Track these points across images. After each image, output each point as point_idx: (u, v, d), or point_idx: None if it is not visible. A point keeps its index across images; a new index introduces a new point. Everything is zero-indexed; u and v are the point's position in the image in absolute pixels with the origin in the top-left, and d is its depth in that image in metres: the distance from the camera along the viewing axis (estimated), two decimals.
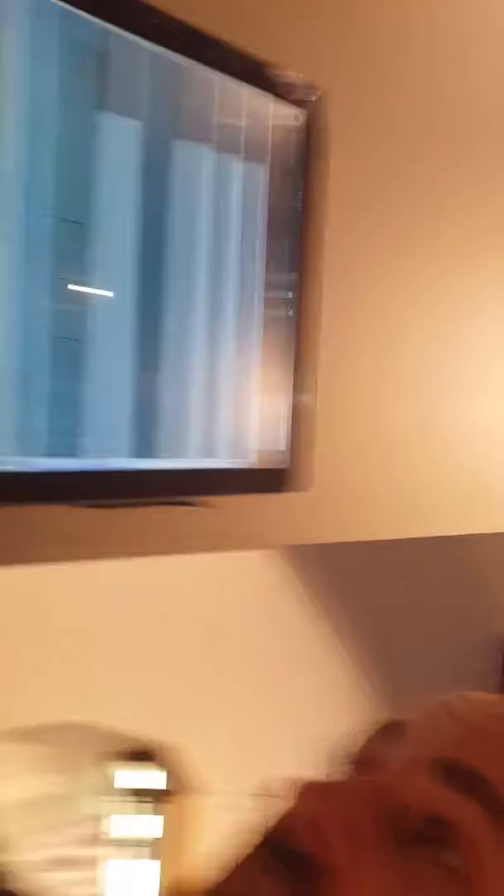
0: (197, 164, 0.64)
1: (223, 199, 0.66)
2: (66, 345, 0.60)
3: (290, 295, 0.70)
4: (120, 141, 0.60)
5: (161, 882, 2.04)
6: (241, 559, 2.06)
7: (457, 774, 0.39)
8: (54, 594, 1.86)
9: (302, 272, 0.69)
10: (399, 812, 0.38)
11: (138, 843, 2.10)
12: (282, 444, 0.71)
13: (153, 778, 2.15)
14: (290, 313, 0.70)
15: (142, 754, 2.19)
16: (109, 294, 0.62)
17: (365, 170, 0.77)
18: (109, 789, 2.15)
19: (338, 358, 0.77)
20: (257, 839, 0.40)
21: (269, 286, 0.69)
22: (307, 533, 0.78)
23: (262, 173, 0.68)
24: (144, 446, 0.66)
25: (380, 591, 2.31)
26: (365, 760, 0.43)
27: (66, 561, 0.79)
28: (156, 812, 2.12)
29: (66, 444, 0.62)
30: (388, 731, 0.44)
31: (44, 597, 1.84)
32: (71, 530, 0.77)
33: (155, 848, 2.13)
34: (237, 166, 0.66)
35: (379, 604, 2.34)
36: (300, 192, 0.69)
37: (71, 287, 0.60)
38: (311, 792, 0.39)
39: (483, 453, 0.95)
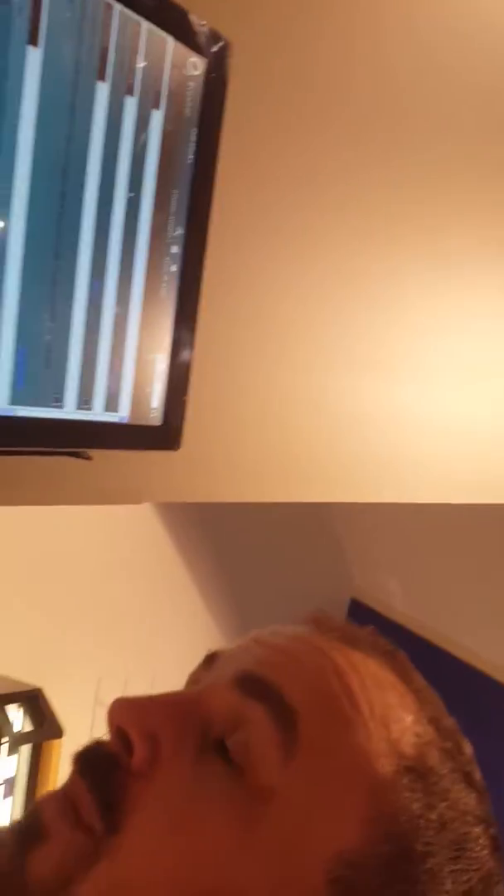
0: (91, 100, 0.62)
1: (115, 139, 0.64)
2: None
3: (175, 249, 0.69)
4: (22, 70, 0.57)
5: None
6: (112, 512, 2.05)
7: (251, 684, 0.42)
8: None
9: (189, 226, 0.68)
10: (200, 720, 0.42)
11: (5, 782, 2.11)
12: (156, 402, 0.70)
13: (15, 719, 2.15)
14: (174, 268, 0.68)
15: (6, 696, 2.18)
16: None
17: (264, 127, 0.76)
18: None
19: (220, 317, 0.76)
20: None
21: (154, 238, 0.67)
22: (177, 491, 0.79)
23: (157, 119, 0.66)
24: (25, 394, 0.64)
25: (241, 550, 2.37)
26: (188, 682, 0.48)
27: None
28: (13, 752, 2.13)
29: None
30: (209, 660, 0.48)
31: None
32: None
33: (9, 786, 2.15)
34: (131, 108, 0.64)
35: (239, 561, 2.40)
36: (194, 144, 0.67)
37: None
38: (121, 705, 0.42)
39: (360, 429, 0.97)
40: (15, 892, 0.38)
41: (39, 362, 0.64)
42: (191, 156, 0.66)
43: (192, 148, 0.66)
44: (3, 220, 0.59)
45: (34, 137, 0.58)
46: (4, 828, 0.42)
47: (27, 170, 0.59)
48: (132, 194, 0.65)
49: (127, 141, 0.63)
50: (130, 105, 0.63)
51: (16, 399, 0.64)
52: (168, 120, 0.65)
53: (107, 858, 0.38)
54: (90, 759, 0.42)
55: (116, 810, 0.40)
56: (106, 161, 0.63)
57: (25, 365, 0.64)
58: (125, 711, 0.42)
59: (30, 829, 0.40)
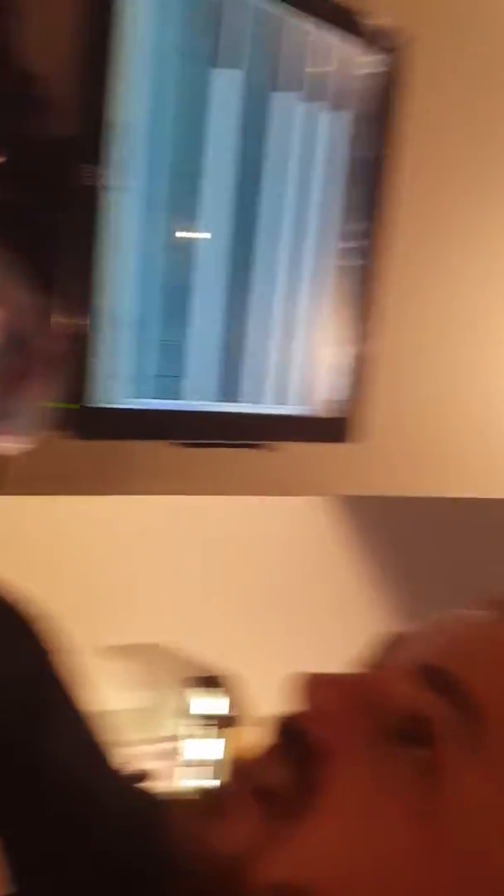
0: (288, 114, 0.65)
1: (309, 147, 0.67)
2: (172, 292, 0.64)
3: (362, 244, 0.70)
4: (225, 93, 0.62)
5: None
6: (298, 503, 2.09)
7: (435, 678, 0.41)
8: (141, 525, 1.94)
9: (375, 221, 0.69)
10: (384, 707, 0.41)
11: (203, 764, 2.22)
12: (343, 394, 0.72)
13: (218, 704, 2.25)
14: (362, 263, 0.70)
15: (209, 681, 2.29)
16: (208, 241, 0.64)
17: (444, 122, 0.75)
18: (181, 711, 2.28)
19: (405, 310, 0.77)
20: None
21: (343, 234, 0.69)
22: (356, 483, 0.80)
23: (345, 121, 0.68)
24: (227, 390, 0.69)
25: (417, 540, 2.31)
26: (371, 665, 0.47)
27: (155, 494, 0.84)
28: (219, 736, 2.22)
29: (169, 386, 0.66)
30: (392, 642, 0.47)
31: (132, 526, 1.93)
32: (156, 466, 0.81)
33: (217, 769, 2.25)
34: (324, 115, 0.67)
35: (416, 551, 2.34)
36: (380, 141, 0.68)
37: (178, 235, 0.63)
38: (312, 682, 0.43)
39: None
40: (204, 862, 0.39)
41: (231, 360, 0.69)
42: (377, 152, 0.67)
43: (378, 144, 0.67)
44: (203, 231, 0.64)
45: (218, 151, 0.63)
46: (196, 793, 0.45)
47: (230, 172, 0.63)
48: (325, 196, 0.68)
49: (322, 145, 0.66)
50: (309, 106, 0.65)
51: (207, 395, 0.69)
52: (356, 121, 0.67)
53: (294, 839, 0.39)
54: (280, 736, 0.42)
55: (306, 791, 0.39)
56: (283, 161, 0.66)
57: (219, 363, 0.68)
58: (317, 689, 0.42)
59: (219, 798, 0.41)
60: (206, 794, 0.43)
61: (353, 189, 0.69)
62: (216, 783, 0.43)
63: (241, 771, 0.42)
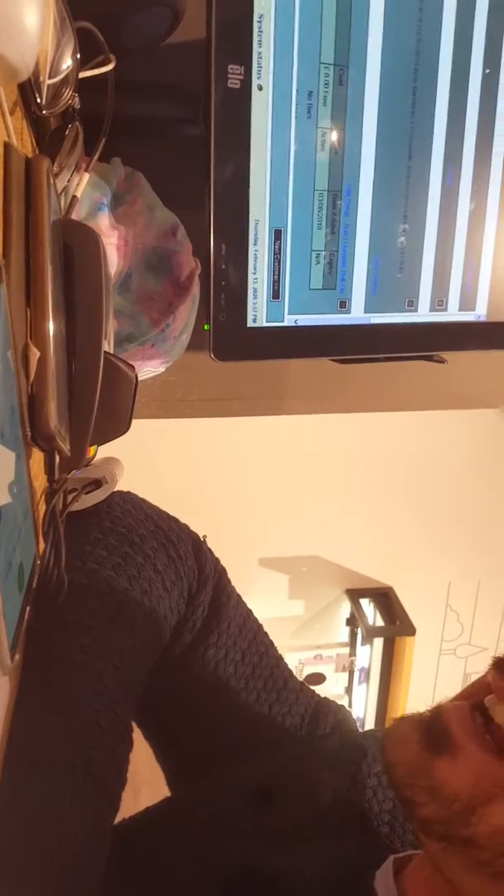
0: None
1: (468, 11, 0.59)
2: (330, 200, 0.60)
3: None
4: None
5: (376, 702, 2.22)
6: (464, 416, 2.00)
7: None
8: (301, 443, 1.96)
9: None
10: None
11: (360, 670, 2.28)
12: None
13: (368, 612, 2.28)
14: None
15: (359, 591, 2.32)
16: (360, 137, 0.59)
17: None
18: (343, 620, 2.34)
19: None
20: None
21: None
22: None
23: None
24: (379, 301, 0.65)
25: None
26: None
27: (312, 413, 0.83)
28: (366, 644, 2.27)
29: (330, 300, 0.63)
30: None
31: (296, 444, 1.95)
32: (317, 383, 0.79)
33: (363, 675, 2.30)
34: None
35: None
36: None
37: (332, 135, 0.58)
38: None
39: None
40: (427, 790, 0.39)
41: (393, 267, 0.64)
42: None
43: None
44: (355, 123, 0.58)
45: (384, 26, 0.56)
46: (404, 720, 0.44)
47: (377, 61, 0.57)
48: (488, 70, 0.60)
49: (482, 8, 0.58)
50: None
51: (370, 307, 0.65)
52: None
53: None
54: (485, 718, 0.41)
55: None
56: (458, 39, 0.59)
57: (379, 272, 0.64)
58: None
59: (436, 732, 0.41)
60: (431, 724, 0.42)
61: None
62: (433, 713, 0.42)
63: (468, 713, 0.42)
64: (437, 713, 0.42)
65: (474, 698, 0.42)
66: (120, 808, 0.47)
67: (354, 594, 2.34)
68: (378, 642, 2.30)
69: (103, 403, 0.48)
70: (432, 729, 0.41)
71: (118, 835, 0.45)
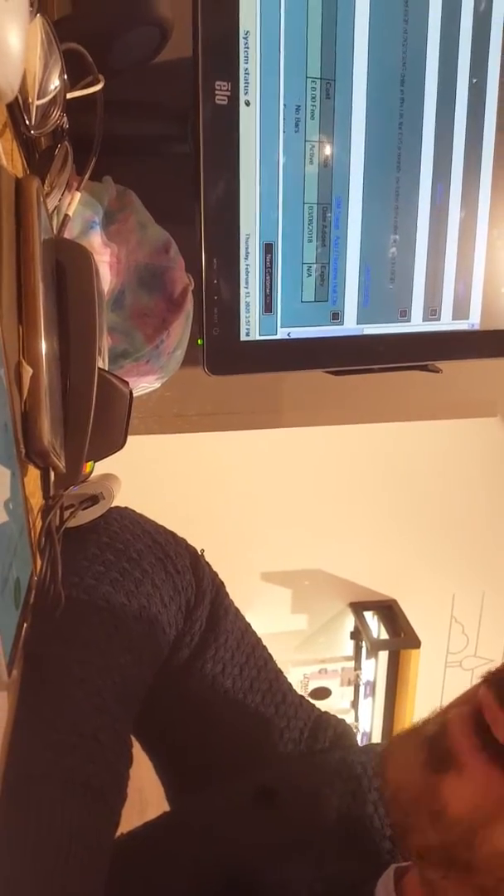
0: None
1: (453, 20, 0.60)
2: (320, 213, 0.60)
3: None
4: None
5: (382, 716, 2.20)
6: (463, 425, 2.00)
7: None
8: (299, 456, 1.96)
9: None
10: None
11: (366, 684, 2.26)
12: None
13: (372, 625, 2.27)
14: None
15: (363, 604, 2.31)
16: (348, 150, 0.59)
17: None
18: (347, 634, 2.33)
19: None
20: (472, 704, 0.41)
21: (500, 126, 0.62)
22: None
23: None
24: (371, 312, 0.65)
25: None
26: None
27: (309, 425, 0.83)
28: (371, 657, 2.25)
29: (324, 313, 0.64)
30: None
31: (294, 458, 1.95)
32: (311, 396, 0.79)
33: (369, 688, 2.29)
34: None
35: None
36: None
37: (320, 148, 0.58)
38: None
39: None
40: (430, 815, 0.38)
41: (384, 278, 0.64)
42: None
43: None
44: (343, 135, 0.59)
45: (369, 38, 0.57)
46: (407, 737, 0.43)
47: (364, 73, 0.58)
48: (475, 80, 0.61)
49: (467, 17, 0.59)
50: None
51: (363, 318, 0.65)
52: None
53: None
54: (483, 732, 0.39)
55: None
56: (444, 49, 0.59)
57: (370, 283, 0.64)
58: None
59: (441, 749, 0.40)
60: (436, 742, 0.40)
61: None
62: (438, 729, 0.41)
63: (471, 728, 0.40)
64: (443, 728, 0.41)
65: (476, 702, 0.41)
66: (121, 823, 0.47)
67: (358, 607, 2.33)
68: (383, 655, 2.28)
69: (98, 420, 0.48)
70: (437, 746, 0.40)
71: (117, 850, 0.45)
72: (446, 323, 0.67)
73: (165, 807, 0.61)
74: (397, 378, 0.72)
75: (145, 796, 0.68)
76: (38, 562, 0.45)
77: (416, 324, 0.66)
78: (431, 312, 0.66)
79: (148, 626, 0.54)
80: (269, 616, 2.20)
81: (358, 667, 2.36)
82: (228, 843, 0.50)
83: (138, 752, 0.54)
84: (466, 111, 0.61)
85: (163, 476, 1.80)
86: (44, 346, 0.40)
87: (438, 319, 0.67)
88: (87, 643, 0.49)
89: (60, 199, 0.52)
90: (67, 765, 0.43)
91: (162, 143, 0.64)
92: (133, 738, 0.51)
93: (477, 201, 0.64)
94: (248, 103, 0.55)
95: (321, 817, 0.51)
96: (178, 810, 0.60)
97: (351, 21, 0.56)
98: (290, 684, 0.63)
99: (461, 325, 0.67)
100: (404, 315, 0.66)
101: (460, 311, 0.67)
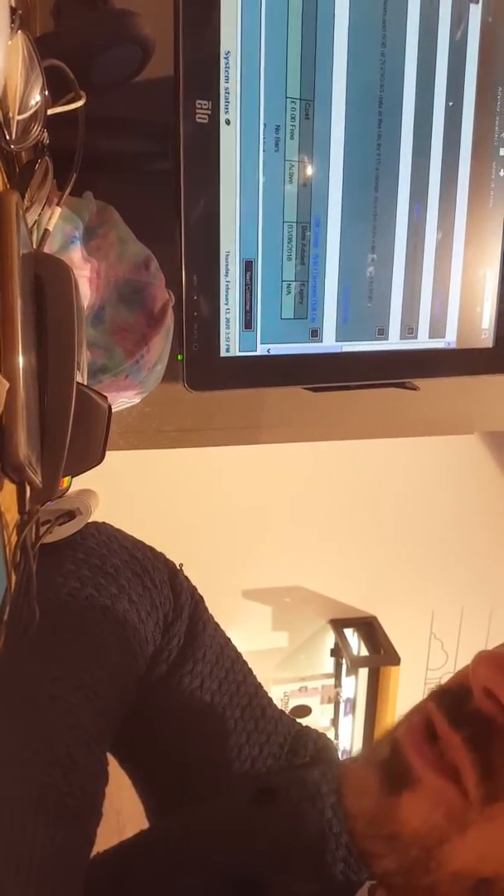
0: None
1: (430, 43, 0.61)
2: (299, 232, 0.61)
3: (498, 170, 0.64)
4: None
5: (362, 733, 2.19)
6: (442, 442, 2.02)
7: None
8: (279, 472, 1.96)
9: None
10: None
11: (346, 701, 2.26)
12: (487, 322, 0.67)
13: (352, 642, 2.27)
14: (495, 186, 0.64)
15: (343, 621, 2.31)
16: (328, 169, 0.60)
17: None
18: (327, 651, 2.32)
19: None
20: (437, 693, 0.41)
21: (479, 145, 0.63)
22: None
23: (474, 13, 0.61)
24: (349, 329, 0.66)
25: None
26: None
27: (293, 441, 0.83)
28: (351, 674, 2.25)
29: (303, 330, 0.64)
30: None
31: (274, 474, 1.95)
32: (291, 412, 0.80)
33: (349, 706, 2.28)
34: (445, 4, 0.60)
35: None
36: None
37: (300, 167, 0.59)
38: (490, 663, 0.39)
39: None
40: (387, 839, 0.37)
41: (362, 296, 0.65)
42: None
43: None
44: (322, 155, 0.60)
45: (348, 60, 0.58)
46: (361, 764, 0.43)
47: (342, 94, 0.59)
48: (451, 103, 0.62)
49: (443, 43, 0.60)
50: (445, 2, 0.59)
51: (342, 336, 0.66)
52: (487, 10, 0.60)
53: (478, 827, 0.36)
54: (463, 712, 0.39)
55: (495, 778, 0.37)
56: (422, 71, 0.61)
57: (349, 301, 0.65)
58: (496, 672, 0.38)
59: (396, 769, 0.39)
60: (391, 763, 0.39)
61: (492, 92, 0.62)
62: (391, 749, 0.40)
63: (423, 741, 0.39)
64: (395, 747, 0.40)
65: (424, 714, 0.40)
66: (98, 845, 0.46)
67: (338, 624, 2.33)
68: (363, 672, 2.28)
69: (76, 434, 0.48)
70: (392, 766, 0.39)
71: (91, 870, 0.44)
72: (423, 341, 0.67)
73: (144, 826, 0.61)
74: (375, 395, 0.73)
75: (122, 818, 0.67)
76: (13, 577, 0.45)
77: (394, 342, 0.67)
78: (409, 331, 0.67)
79: (125, 642, 0.54)
80: (249, 634, 2.19)
81: (338, 684, 2.35)
82: (204, 861, 0.49)
83: (118, 774, 0.53)
84: (443, 133, 0.63)
85: (141, 492, 1.79)
86: (21, 359, 0.40)
87: (415, 338, 0.67)
88: (62, 660, 0.49)
89: (40, 214, 0.52)
90: (41, 785, 0.42)
91: (143, 159, 0.65)
92: (111, 756, 0.51)
93: (453, 221, 0.65)
94: (228, 122, 0.56)
95: (302, 833, 0.51)
96: (152, 828, 0.60)
97: (330, 42, 0.57)
98: (270, 699, 0.63)
99: (438, 344, 0.68)
100: (382, 333, 0.66)
101: (437, 329, 0.68)
